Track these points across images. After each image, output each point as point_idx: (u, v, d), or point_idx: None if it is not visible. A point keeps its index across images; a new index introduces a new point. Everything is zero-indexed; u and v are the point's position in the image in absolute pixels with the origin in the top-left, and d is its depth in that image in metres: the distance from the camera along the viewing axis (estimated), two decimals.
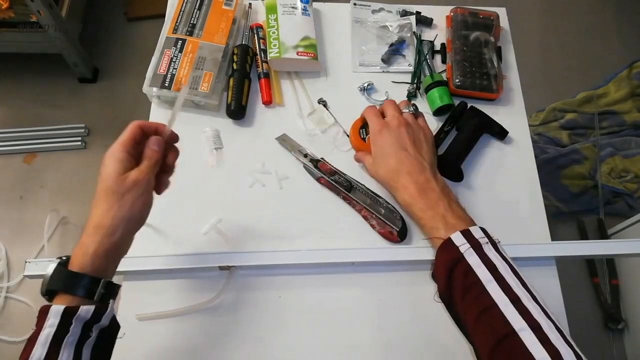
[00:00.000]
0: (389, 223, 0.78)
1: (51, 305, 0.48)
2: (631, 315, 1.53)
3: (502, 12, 1.00)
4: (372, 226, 0.79)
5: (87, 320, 0.48)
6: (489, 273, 0.53)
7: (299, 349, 0.71)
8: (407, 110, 0.78)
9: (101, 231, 0.50)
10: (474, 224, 0.62)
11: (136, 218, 0.54)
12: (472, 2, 0.99)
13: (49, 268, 0.50)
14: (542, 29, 2.12)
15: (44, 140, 1.74)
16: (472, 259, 0.56)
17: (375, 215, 0.78)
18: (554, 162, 1.72)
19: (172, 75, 0.85)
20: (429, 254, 0.75)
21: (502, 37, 0.98)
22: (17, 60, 1.84)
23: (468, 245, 0.57)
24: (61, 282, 0.49)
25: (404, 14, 0.99)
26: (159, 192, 0.61)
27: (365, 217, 0.79)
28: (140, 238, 0.77)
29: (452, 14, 0.97)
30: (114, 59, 1.92)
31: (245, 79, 0.88)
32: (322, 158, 0.83)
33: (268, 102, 0.89)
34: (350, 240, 0.78)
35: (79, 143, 1.73)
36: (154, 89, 0.84)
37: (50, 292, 0.50)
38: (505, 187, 0.85)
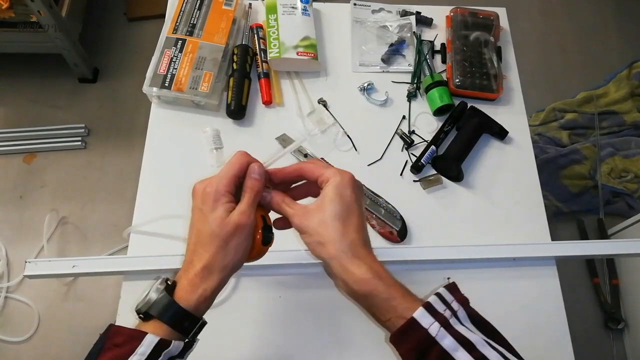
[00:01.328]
0: (388, 223, 0.78)
1: (145, 333, 0.47)
2: (631, 315, 1.53)
3: (502, 12, 1.00)
4: (372, 226, 0.79)
5: (173, 355, 0.49)
6: (469, 355, 0.45)
7: (299, 349, 0.71)
8: None
9: (209, 275, 0.50)
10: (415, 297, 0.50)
11: (238, 263, 0.52)
12: (472, 2, 0.99)
13: (153, 292, 0.49)
14: (541, 28, 2.12)
15: (44, 140, 1.74)
16: (447, 341, 0.45)
17: (375, 215, 0.78)
18: (554, 162, 1.72)
19: (172, 75, 0.85)
20: (429, 254, 0.75)
21: (502, 37, 0.98)
22: (17, 60, 1.84)
23: (437, 325, 0.46)
24: (165, 312, 0.49)
25: (404, 14, 0.99)
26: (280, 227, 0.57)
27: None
28: (141, 238, 0.77)
29: (452, 14, 0.97)
30: (114, 59, 1.92)
31: (245, 79, 0.88)
32: (322, 158, 0.83)
33: (268, 102, 0.89)
34: None
35: (79, 143, 1.73)
36: (154, 89, 0.84)
37: (147, 315, 0.49)
38: (505, 187, 0.85)
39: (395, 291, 0.49)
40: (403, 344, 0.48)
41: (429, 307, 0.47)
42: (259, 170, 0.54)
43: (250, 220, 0.51)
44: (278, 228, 0.57)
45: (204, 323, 0.53)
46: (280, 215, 0.56)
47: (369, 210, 0.79)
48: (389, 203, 0.80)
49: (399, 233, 0.77)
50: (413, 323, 0.47)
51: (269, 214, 0.56)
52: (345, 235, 0.50)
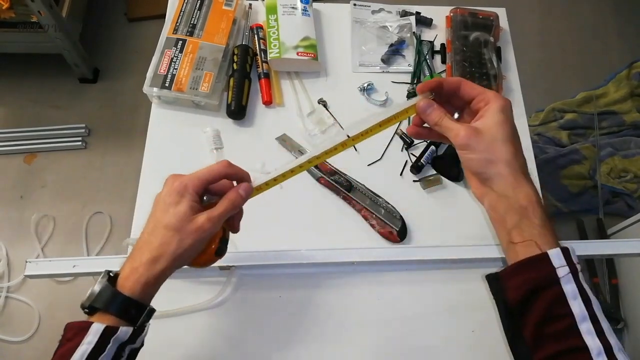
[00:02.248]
0: (388, 223, 0.78)
1: (91, 323, 0.48)
2: (631, 315, 1.53)
3: (501, 12, 1.00)
4: (372, 226, 0.79)
5: (123, 341, 0.49)
6: (585, 309, 0.45)
7: (299, 349, 0.71)
8: None
9: (155, 263, 0.50)
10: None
11: (187, 259, 0.53)
12: (471, 2, 0.99)
13: (97, 285, 0.50)
14: (541, 29, 2.12)
15: (44, 141, 1.74)
16: (569, 287, 0.46)
17: (375, 215, 0.79)
18: (554, 162, 1.72)
19: (173, 76, 0.85)
20: (429, 254, 0.75)
21: (501, 37, 0.98)
22: (18, 60, 1.84)
23: (568, 269, 0.46)
24: (109, 303, 0.49)
25: (404, 14, 0.99)
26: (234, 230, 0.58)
27: (365, 217, 0.79)
28: None
29: (451, 14, 0.97)
30: (114, 59, 1.92)
31: (245, 79, 0.88)
32: None
33: (268, 102, 0.89)
34: (351, 240, 0.78)
35: (80, 143, 1.73)
36: (155, 89, 0.84)
37: (92, 308, 0.50)
38: None
39: (547, 225, 0.50)
40: (520, 275, 0.48)
41: (565, 252, 0.47)
42: (248, 190, 0.55)
43: (214, 229, 0.52)
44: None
45: (152, 310, 0.53)
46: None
47: (369, 210, 0.79)
48: (388, 203, 0.80)
49: (399, 233, 0.77)
50: (544, 258, 0.47)
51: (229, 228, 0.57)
52: (517, 156, 0.52)
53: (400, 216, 0.79)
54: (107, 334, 0.47)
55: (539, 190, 0.52)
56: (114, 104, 1.83)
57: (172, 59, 0.86)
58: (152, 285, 0.51)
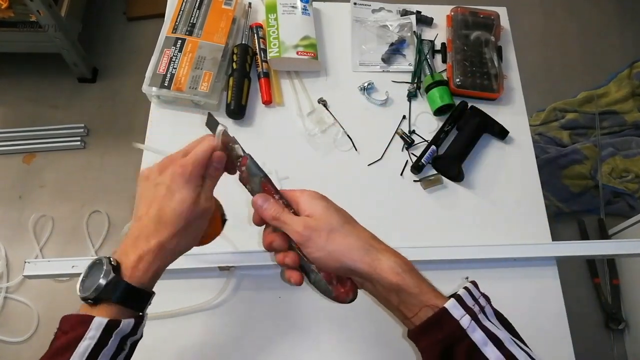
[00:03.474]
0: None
1: (92, 317, 0.46)
2: (632, 316, 1.53)
3: (502, 11, 1.00)
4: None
5: (126, 334, 0.48)
6: (498, 352, 0.44)
7: (299, 349, 0.71)
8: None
9: (165, 252, 0.50)
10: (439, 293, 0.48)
11: (192, 245, 0.53)
12: (472, 1, 0.99)
13: (102, 279, 0.47)
14: (542, 28, 2.12)
15: (43, 140, 1.73)
16: (477, 335, 0.44)
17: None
18: (555, 162, 1.72)
19: (172, 75, 0.85)
20: (429, 254, 0.75)
21: (502, 36, 0.97)
22: (17, 59, 1.83)
23: (469, 317, 0.45)
24: (118, 294, 0.47)
25: (404, 13, 0.99)
26: None
27: None
28: None
29: (452, 13, 0.97)
30: (113, 58, 1.92)
31: (245, 78, 0.88)
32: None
33: (268, 102, 0.89)
34: None
35: (79, 143, 1.73)
36: (154, 88, 0.84)
37: (98, 299, 0.48)
38: (506, 187, 0.85)
39: (425, 286, 0.48)
40: (428, 337, 0.46)
41: (460, 300, 0.46)
42: (221, 159, 0.54)
43: (213, 205, 0.53)
44: (256, 224, 0.56)
45: (153, 294, 0.52)
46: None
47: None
48: None
49: None
50: (444, 314, 0.45)
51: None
52: (359, 236, 0.50)
53: None
54: (109, 328, 0.46)
55: (397, 251, 0.50)
56: (113, 103, 1.83)
57: (171, 58, 0.86)
58: (160, 273, 0.51)
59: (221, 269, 0.72)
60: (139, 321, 0.50)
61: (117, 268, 0.49)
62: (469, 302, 0.46)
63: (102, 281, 0.47)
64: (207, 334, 0.72)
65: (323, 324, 0.73)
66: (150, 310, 0.69)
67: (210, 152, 0.53)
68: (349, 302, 0.53)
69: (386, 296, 0.49)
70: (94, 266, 0.49)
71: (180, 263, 0.71)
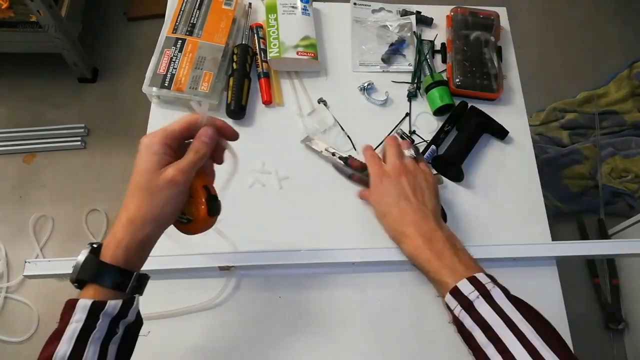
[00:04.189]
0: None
1: (77, 300, 0.46)
2: (632, 316, 1.53)
3: (502, 11, 1.00)
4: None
5: (114, 315, 0.47)
6: (502, 321, 0.52)
7: (299, 349, 0.71)
8: (408, 154, 0.76)
9: (132, 226, 0.48)
10: (483, 271, 0.60)
11: (167, 217, 0.51)
12: (472, 1, 0.99)
13: (80, 256, 0.48)
14: (542, 28, 2.12)
15: (43, 140, 1.73)
16: (483, 308, 0.54)
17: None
18: (555, 162, 1.72)
19: (172, 75, 0.85)
20: None
21: (502, 36, 0.98)
22: (17, 60, 1.83)
23: (477, 293, 0.55)
24: (92, 272, 0.47)
25: (404, 13, 0.99)
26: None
27: None
28: None
29: (452, 13, 0.97)
30: (113, 58, 1.92)
31: (245, 78, 0.88)
32: (349, 155, 0.83)
33: (268, 102, 0.89)
34: (353, 239, 0.78)
35: (79, 143, 1.73)
36: (154, 88, 0.84)
37: (80, 281, 0.48)
38: (506, 187, 0.85)
39: (436, 264, 0.63)
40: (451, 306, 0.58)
41: (455, 292, 0.58)
42: (211, 134, 0.52)
43: (184, 180, 0.49)
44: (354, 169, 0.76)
45: (145, 276, 0.52)
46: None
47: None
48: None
49: None
50: (446, 306, 0.60)
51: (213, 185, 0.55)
52: (397, 218, 0.70)
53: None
54: (95, 310, 0.46)
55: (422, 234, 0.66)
56: (113, 103, 1.83)
57: (171, 58, 0.86)
58: (135, 249, 0.49)
59: (221, 269, 0.72)
60: (129, 303, 0.49)
61: (96, 249, 0.49)
62: (466, 290, 0.57)
63: (80, 258, 0.48)
64: (207, 334, 0.72)
65: (323, 324, 0.73)
66: (151, 310, 0.70)
67: (186, 125, 0.52)
68: None
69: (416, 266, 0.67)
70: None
71: (180, 263, 0.71)
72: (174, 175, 0.49)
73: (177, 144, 0.52)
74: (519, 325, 0.51)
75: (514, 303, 0.55)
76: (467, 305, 0.55)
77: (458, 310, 0.56)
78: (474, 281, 0.57)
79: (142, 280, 0.52)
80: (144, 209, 0.49)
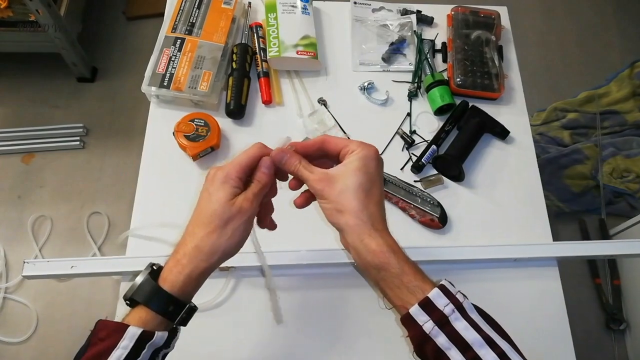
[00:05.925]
0: (428, 211, 0.78)
1: (127, 326, 0.47)
2: (633, 316, 1.52)
3: (503, 10, 0.99)
4: (412, 216, 0.79)
5: (158, 346, 0.48)
6: (462, 355, 0.45)
7: (299, 349, 0.71)
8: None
9: (200, 254, 0.49)
10: (432, 284, 0.49)
11: (233, 248, 0.52)
12: (473, 0, 0.99)
13: (139, 277, 0.49)
14: (543, 28, 2.11)
15: (42, 140, 1.73)
16: (441, 339, 0.46)
17: (413, 205, 0.79)
18: (556, 161, 1.72)
19: (171, 75, 0.84)
20: (429, 254, 0.74)
21: (503, 36, 0.97)
22: (16, 59, 1.83)
23: (432, 323, 0.46)
24: (146, 296, 0.48)
25: (405, 12, 0.98)
26: (262, 225, 0.58)
27: (403, 209, 0.79)
28: (140, 239, 0.77)
29: (453, 12, 0.96)
30: (112, 58, 1.91)
31: (244, 78, 0.87)
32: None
33: (268, 102, 0.88)
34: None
35: (78, 143, 1.72)
36: (153, 88, 0.84)
37: (132, 300, 0.49)
38: (507, 187, 0.84)
39: (407, 268, 0.49)
40: (409, 330, 0.49)
41: (427, 304, 0.47)
42: (269, 164, 0.53)
43: (252, 207, 0.51)
44: (292, 188, 0.57)
45: (194, 308, 0.52)
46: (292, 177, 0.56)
47: (405, 201, 0.79)
48: (423, 191, 0.80)
49: (440, 219, 0.78)
50: (409, 318, 0.47)
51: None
52: (366, 206, 0.50)
53: (438, 202, 0.79)
54: (143, 339, 0.47)
55: (395, 239, 0.51)
56: (112, 103, 1.83)
57: (170, 57, 0.85)
58: (195, 278, 0.50)
59: (221, 269, 0.72)
60: (173, 335, 0.50)
61: (156, 272, 0.50)
62: (440, 303, 0.47)
63: (138, 280, 0.49)
64: (207, 334, 0.71)
65: (322, 325, 0.72)
66: None
67: (254, 156, 0.53)
68: None
69: (369, 271, 0.51)
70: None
71: None
72: (242, 204, 0.51)
73: (247, 177, 0.53)
74: (498, 343, 0.46)
75: (482, 315, 0.49)
76: (442, 321, 0.46)
77: (429, 327, 0.46)
78: (446, 291, 0.48)
79: (191, 313, 0.52)
80: (212, 239, 0.49)
